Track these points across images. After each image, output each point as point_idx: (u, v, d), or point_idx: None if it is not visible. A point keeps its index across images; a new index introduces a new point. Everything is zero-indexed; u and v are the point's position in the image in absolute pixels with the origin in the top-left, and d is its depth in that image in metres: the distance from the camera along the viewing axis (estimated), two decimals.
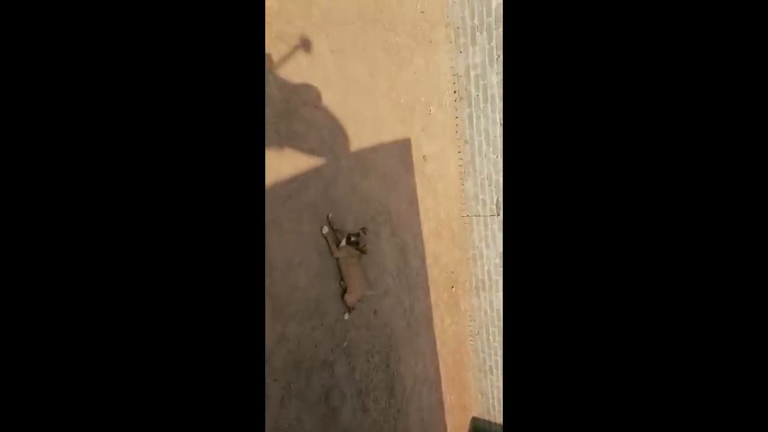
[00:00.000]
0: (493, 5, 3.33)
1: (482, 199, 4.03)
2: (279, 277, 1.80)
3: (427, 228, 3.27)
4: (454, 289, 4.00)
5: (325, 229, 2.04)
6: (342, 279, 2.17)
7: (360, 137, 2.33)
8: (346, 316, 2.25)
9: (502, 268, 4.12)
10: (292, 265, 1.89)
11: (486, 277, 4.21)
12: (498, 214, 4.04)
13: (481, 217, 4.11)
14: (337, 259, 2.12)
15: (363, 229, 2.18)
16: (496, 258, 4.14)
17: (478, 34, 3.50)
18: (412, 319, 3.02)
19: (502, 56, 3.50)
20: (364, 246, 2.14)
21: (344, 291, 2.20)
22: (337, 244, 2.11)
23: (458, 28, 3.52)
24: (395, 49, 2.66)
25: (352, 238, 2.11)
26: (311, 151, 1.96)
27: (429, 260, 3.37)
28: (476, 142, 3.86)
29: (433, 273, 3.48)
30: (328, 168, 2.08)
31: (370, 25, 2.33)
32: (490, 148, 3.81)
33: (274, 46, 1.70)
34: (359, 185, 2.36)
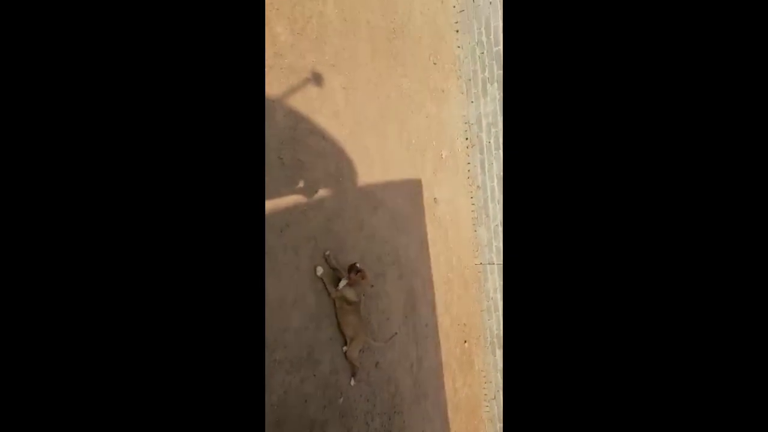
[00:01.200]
0: (503, 60, 3.46)
1: (496, 247, 3.82)
2: (268, 315, 1.60)
3: (437, 273, 3.05)
4: (467, 344, 3.62)
5: (320, 270, 1.85)
6: (339, 328, 1.94)
7: (369, 174, 2.26)
8: (352, 382, 1.98)
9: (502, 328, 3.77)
10: (285, 303, 1.70)
11: (502, 333, 3.82)
12: None
13: (495, 266, 3.86)
14: (334, 302, 1.91)
15: (361, 272, 1.93)
16: None
17: (489, 85, 3.60)
18: (420, 376, 2.66)
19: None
20: (361, 291, 1.94)
21: (344, 343, 1.95)
22: (336, 283, 1.92)
23: (469, 80, 3.65)
24: (407, 94, 2.71)
25: (353, 276, 1.91)
26: (315, 182, 1.88)
27: (440, 309, 3.08)
28: (489, 188, 3.77)
29: (444, 323, 3.16)
30: (332, 201, 1.98)
31: (383, 68, 2.40)
32: (503, 194, 3.71)
33: (284, 77, 1.71)
34: (366, 222, 2.23)
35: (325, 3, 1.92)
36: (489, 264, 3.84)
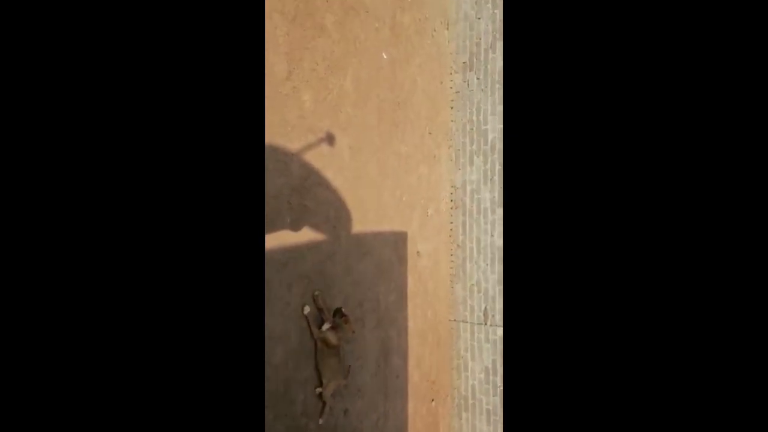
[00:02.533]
0: (489, 137, 3.97)
1: (470, 305, 4.01)
2: None
3: (413, 325, 3.18)
4: (433, 403, 3.63)
5: (307, 309, 2.00)
6: (317, 368, 2.03)
7: (362, 222, 2.50)
8: (321, 421, 2.02)
9: (487, 385, 3.83)
10: (272, 337, 1.81)
11: (470, 394, 3.87)
12: (485, 324, 3.97)
13: (468, 324, 4.01)
14: (316, 342, 2.02)
15: (345, 317, 2.08)
16: (481, 373, 3.89)
17: (475, 157, 4.07)
18: None
19: (494, 177, 3.99)
20: (343, 335, 2.06)
21: (319, 384, 2.03)
22: (320, 326, 2.05)
23: (459, 150, 4.12)
24: (404, 157, 3.08)
25: (337, 320, 2.05)
26: (315, 226, 2.09)
27: (411, 362, 3.17)
28: (468, 248, 4.07)
29: (414, 378, 3.22)
30: (327, 244, 2.18)
31: (386, 133, 2.77)
32: (481, 256, 4.00)
33: (304, 136, 2.00)
34: (354, 267, 2.42)
35: (345, 79, 2.30)
36: (462, 321, 4.00)
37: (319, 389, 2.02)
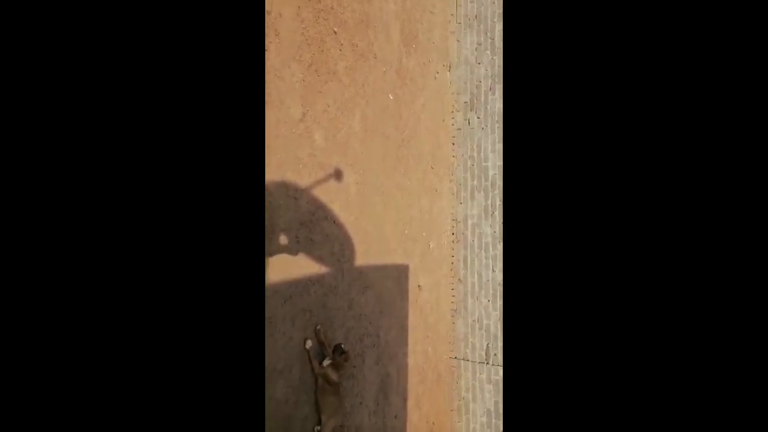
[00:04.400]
0: (490, 174, 4.15)
1: (472, 343, 3.99)
2: None
3: (413, 361, 3.17)
4: None
5: (309, 343, 2.03)
6: (317, 406, 2.03)
7: (365, 255, 2.58)
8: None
9: (489, 429, 3.73)
10: (274, 371, 1.83)
11: None
12: (487, 363, 3.93)
13: (470, 363, 3.97)
14: (316, 378, 2.03)
15: (345, 354, 2.11)
16: (483, 416, 3.80)
17: (476, 192, 4.22)
18: None
19: (495, 212, 4.12)
20: (343, 373, 2.08)
21: (318, 422, 2.02)
22: (321, 361, 2.07)
23: (460, 184, 4.28)
24: (407, 190, 3.21)
25: (337, 357, 2.07)
26: (320, 259, 2.17)
27: (410, 402, 3.11)
28: (469, 283, 4.11)
29: (413, 419, 3.15)
30: (330, 278, 2.25)
31: (390, 169, 2.92)
32: (482, 291, 4.03)
33: (314, 171, 2.14)
34: (355, 301, 2.47)
35: (353, 118, 2.48)
36: (463, 360, 3.95)
37: (317, 428, 2.00)
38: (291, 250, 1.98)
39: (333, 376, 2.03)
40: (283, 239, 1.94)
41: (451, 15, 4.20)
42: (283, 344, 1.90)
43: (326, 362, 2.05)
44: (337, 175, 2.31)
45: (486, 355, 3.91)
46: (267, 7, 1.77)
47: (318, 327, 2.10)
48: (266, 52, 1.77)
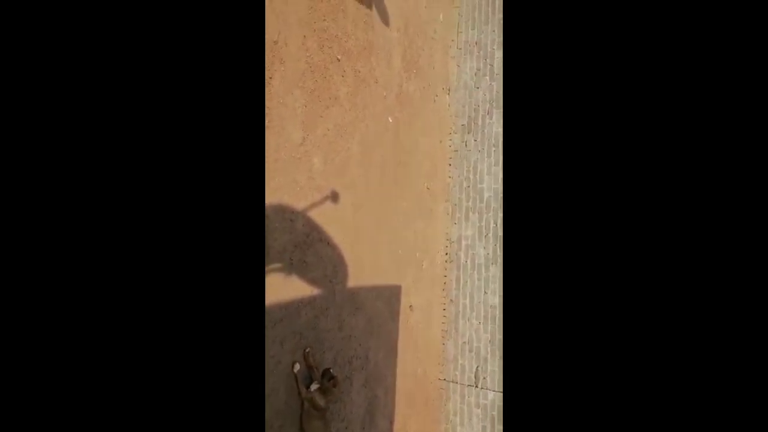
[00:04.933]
0: (485, 196, 4.22)
1: (461, 365, 3.99)
2: None
3: (401, 384, 3.16)
4: None
5: (297, 367, 2.03)
6: (302, 431, 2.02)
7: (358, 277, 2.61)
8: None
9: None
10: None
11: None
12: (476, 386, 3.93)
13: (458, 385, 3.96)
14: (303, 402, 2.03)
15: (334, 380, 2.09)
16: None
17: (471, 213, 4.29)
18: None
19: (488, 234, 4.18)
20: (331, 398, 2.08)
21: None
22: (308, 386, 2.07)
23: (455, 205, 4.34)
24: (402, 212, 3.26)
25: (325, 383, 2.06)
26: (313, 281, 2.19)
27: (397, 425, 3.10)
28: (461, 304, 4.13)
29: None
30: (322, 299, 2.27)
31: (386, 191, 2.97)
32: (474, 313, 4.06)
33: (311, 194, 2.18)
34: (346, 322, 2.48)
35: (352, 142, 2.53)
36: (452, 382, 3.95)
37: None
38: (284, 271, 2.00)
39: (320, 401, 2.03)
40: (276, 262, 1.97)
41: (452, 41, 4.34)
42: (271, 367, 1.90)
43: (314, 387, 2.05)
44: (334, 197, 2.35)
45: (475, 378, 3.91)
46: (274, 37, 1.83)
47: (307, 350, 2.11)
48: (270, 80, 1.83)
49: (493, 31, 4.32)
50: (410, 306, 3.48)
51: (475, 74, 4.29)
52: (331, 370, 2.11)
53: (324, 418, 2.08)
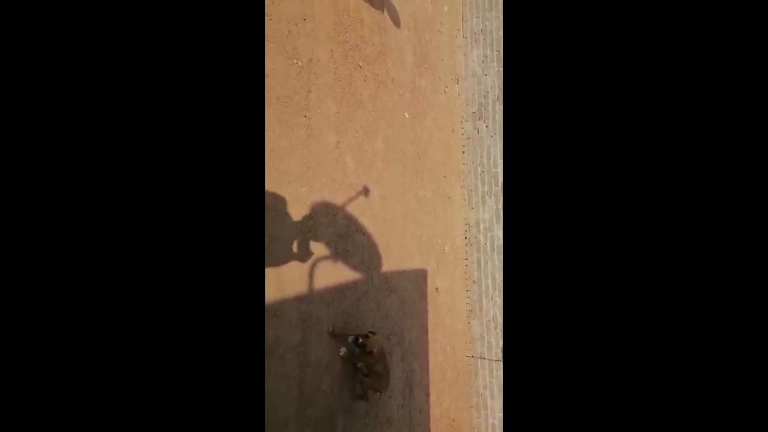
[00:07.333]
0: (500, 180, 4.50)
1: (488, 341, 4.33)
2: (312, 375, 2.11)
3: (434, 360, 3.52)
4: None
5: (343, 350, 2.29)
6: (362, 386, 2.36)
7: (389, 262, 2.95)
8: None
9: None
10: (320, 366, 2.21)
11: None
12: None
13: (486, 361, 4.30)
14: (355, 365, 2.34)
15: (368, 334, 2.22)
16: (501, 412, 4.12)
17: (487, 197, 4.58)
18: None
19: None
20: (371, 351, 2.22)
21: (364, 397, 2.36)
22: (351, 354, 2.39)
23: (471, 190, 4.63)
24: (423, 200, 3.58)
25: (360, 340, 2.22)
26: (354, 267, 2.55)
27: (433, 397, 3.47)
28: (483, 284, 4.45)
29: (435, 414, 3.50)
30: (362, 283, 2.62)
31: (408, 181, 3.29)
32: (497, 292, 4.38)
33: (347, 191, 2.52)
34: (383, 303, 2.84)
35: (376, 140, 2.86)
36: (480, 358, 4.29)
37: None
38: (332, 259, 2.36)
39: (374, 346, 2.21)
40: (324, 250, 2.32)
41: (457, 30, 4.57)
42: (326, 342, 2.27)
43: (344, 351, 2.33)
44: (365, 191, 2.69)
45: (503, 353, 4.24)
46: (309, 56, 2.15)
47: (329, 329, 2.31)
48: (309, 93, 2.15)
49: (498, 17, 4.54)
50: (436, 288, 3.82)
51: (483, 61, 4.53)
52: (359, 334, 2.35)
53: (383, 361, 2.33)
